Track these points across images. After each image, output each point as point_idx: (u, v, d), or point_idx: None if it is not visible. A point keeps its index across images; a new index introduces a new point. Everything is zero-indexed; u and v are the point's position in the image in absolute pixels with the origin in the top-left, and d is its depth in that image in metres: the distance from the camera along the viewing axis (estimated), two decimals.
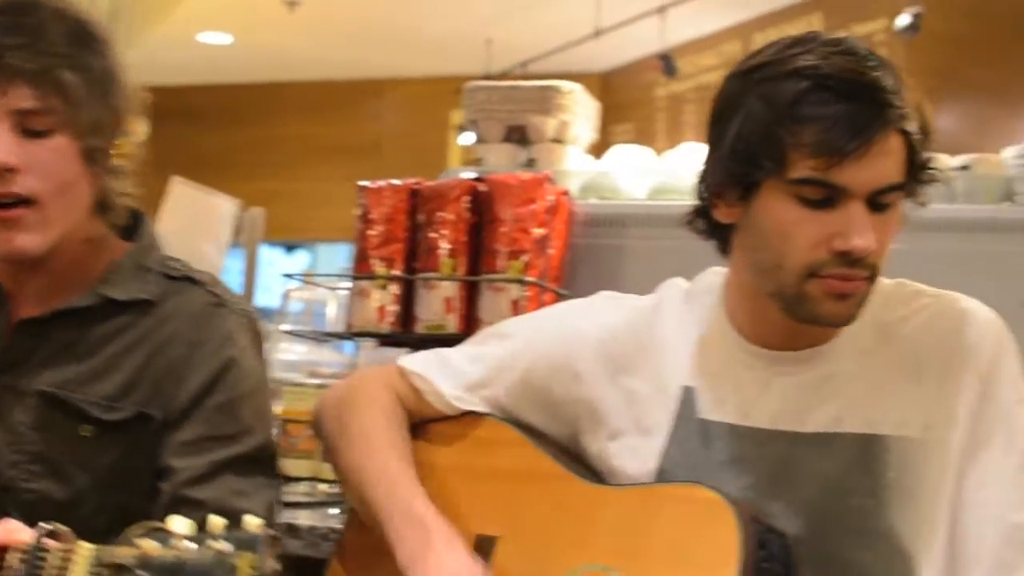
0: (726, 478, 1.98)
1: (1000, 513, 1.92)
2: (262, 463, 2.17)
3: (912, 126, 1.87)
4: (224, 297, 2.23)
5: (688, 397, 2.06)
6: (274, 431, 2.30)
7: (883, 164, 1.85)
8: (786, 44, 1.92)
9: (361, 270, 3.35)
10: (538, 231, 3.20)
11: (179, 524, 1.63)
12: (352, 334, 3.37)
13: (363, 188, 3.39)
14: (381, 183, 3.37)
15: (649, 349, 2.12)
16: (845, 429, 1.97)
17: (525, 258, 3.19)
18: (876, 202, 1.87)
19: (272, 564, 1.61)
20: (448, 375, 2.23)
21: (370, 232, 3.35)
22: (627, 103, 10.96)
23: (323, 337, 3.47)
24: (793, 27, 9.19)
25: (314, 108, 12.52)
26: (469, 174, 3.48)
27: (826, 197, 1.86)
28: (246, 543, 1.60)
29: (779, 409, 2.00)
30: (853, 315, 1.93)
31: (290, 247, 12.20)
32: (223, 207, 4.86)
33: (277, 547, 1.64)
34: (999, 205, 3.37)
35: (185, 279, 2.22)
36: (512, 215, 3.22)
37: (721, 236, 2.02)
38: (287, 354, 4.04)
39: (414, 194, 3.35)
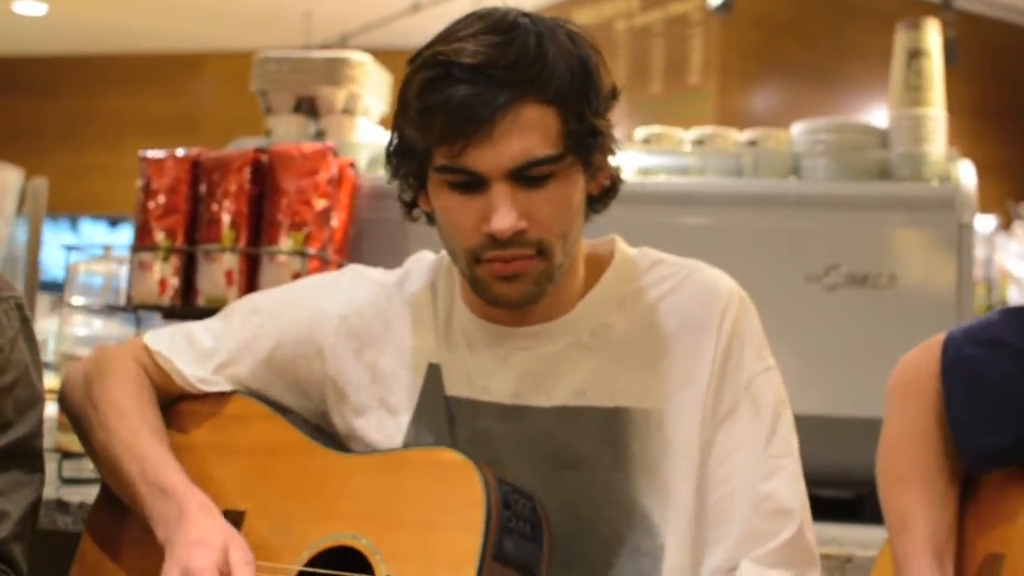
0: (483, 456, 1.94)
1: (748, 483, 1.92)
2: (21, 458, 2.10)
3: (563, 95, 1.84)
4: None
5: (433, 374, 2.04)
6: (44, 414, 2.21)
7: (518, 141, 1.81)
8: (439, 34, 1.90)
9: (143, 242, 3.29)
10: (320, 203, 3.17)
11: None
12: (134, 307, 3.30)
13: (144, 159, 3.33)
14: (162, 153, 3.30)
15: (393, 325, 2.09)
16: (588, 402, 1.96)
17: (307, 230, 3.15)
18: (525, 177, 1.84)
19: None
20: (192, 355, 2.17)
21: (151, 204, 3.29)
22: None
23: (105, 310, 3.38)
24: (612, 5, 9.29)
25: (133, 81, 12.29)
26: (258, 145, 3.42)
27: (467, 182, 1.85)
28: None
29: (519, 384, 1.99)
30: (533, 292, 1.91)
31: (114, 221, 11.96)
32: (5, 178, 4.73)
33: None
34: (785, 180, 3.40)
35: None
36: (294, 187, 3.19)
37: (433, 222, 2.00)
38: (79, 328, 3.94)
39: (196, 165, 3.29)
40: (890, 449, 2.00)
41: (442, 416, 2.02)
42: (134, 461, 2.04)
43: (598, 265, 2.04)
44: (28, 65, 12.58)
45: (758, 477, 1.93)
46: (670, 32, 8.91)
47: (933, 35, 3.49)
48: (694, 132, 3.59)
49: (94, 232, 11.93)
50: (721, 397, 1.95)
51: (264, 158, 3.24)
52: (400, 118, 1.90)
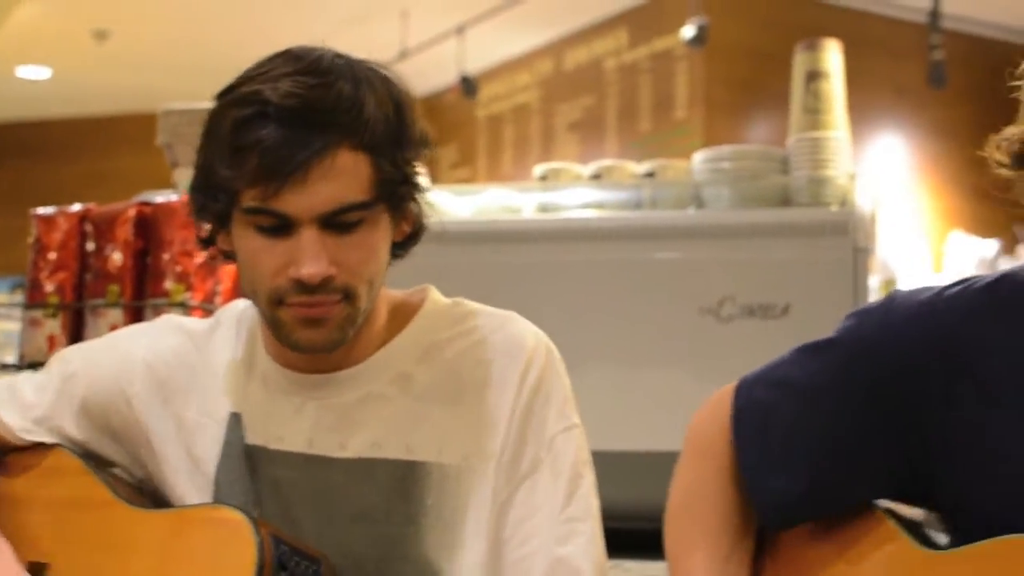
0: (268, 504, 1.92)
1: (546, 546, 1.86)
2: None
3: (377, 142, 1.80)
4: None
5: (234, 423, 1.99)
6: None
7: (331, 186, 1.77)
8: (252, 68, 1.84)
9: (34, 299, 3.27)
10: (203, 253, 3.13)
11: None
12: (27, 365, 3.27)
13: (35, 216, 3.31)
14: (52, 209, 3.28)
15: (199, 374, 2.05)
16: (383, 455, 1.91)
17: (190, 281, 3.11)
18: (335, 223, 1.80)
19: None
20: (16, 407, 2.13)
21: (41, 261, 3.26)
22: (449, 124, 10.95)
23: None
24: (601, 43, 9.30)
25: (144, 139, 12.34)
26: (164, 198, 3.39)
27: (277, 225, 1.79)
28: None
29: (314, 433, 1.94)
30: (336, 338, 1.85)
31: None
32: None
33: None
34: (684, 211, 3.34)
35: None
36: (178, 238, 3.15)
37: (232, 260, 1.94)
38: None
39: (84, 220, 3.26)
40: (675, 511, 1.91)
41: (243, 466, 1.97)
42: None
43: (405, 314, 1.99)
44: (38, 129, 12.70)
45: (554, 540, 1.87)
46: (657, 68, 8.90)
47: (833, 56, 3.43)
48: (592, 166, 3.54)
49: None
50: (521, 454, 1.89)
51: (149, 211, 3.20)
52: (208, 155, 1.84)
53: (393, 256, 1.94)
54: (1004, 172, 1.63)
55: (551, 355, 1.95)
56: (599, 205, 3.42)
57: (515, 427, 1.89)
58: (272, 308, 1.84)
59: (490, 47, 9.82)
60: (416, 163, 1.88)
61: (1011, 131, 1.61)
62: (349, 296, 1.83)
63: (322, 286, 1.80)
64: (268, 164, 1.75)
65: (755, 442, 1.84)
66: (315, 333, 1.84)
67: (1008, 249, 8.82)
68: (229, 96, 1.82)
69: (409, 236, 1.95)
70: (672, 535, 1.89)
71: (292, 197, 1.76)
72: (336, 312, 1.83)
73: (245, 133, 1.77)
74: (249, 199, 1.79)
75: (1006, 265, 8.22)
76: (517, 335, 1.95)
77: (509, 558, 1.87)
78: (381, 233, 1.85)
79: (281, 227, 1.79)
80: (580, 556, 1.87)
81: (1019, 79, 1.61)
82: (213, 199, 1.85)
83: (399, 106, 1.84)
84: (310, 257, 1.78)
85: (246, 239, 1.84)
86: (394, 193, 1.84)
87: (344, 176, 1.78)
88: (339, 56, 1.84)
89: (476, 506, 1.88)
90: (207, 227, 1.94)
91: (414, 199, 1.90)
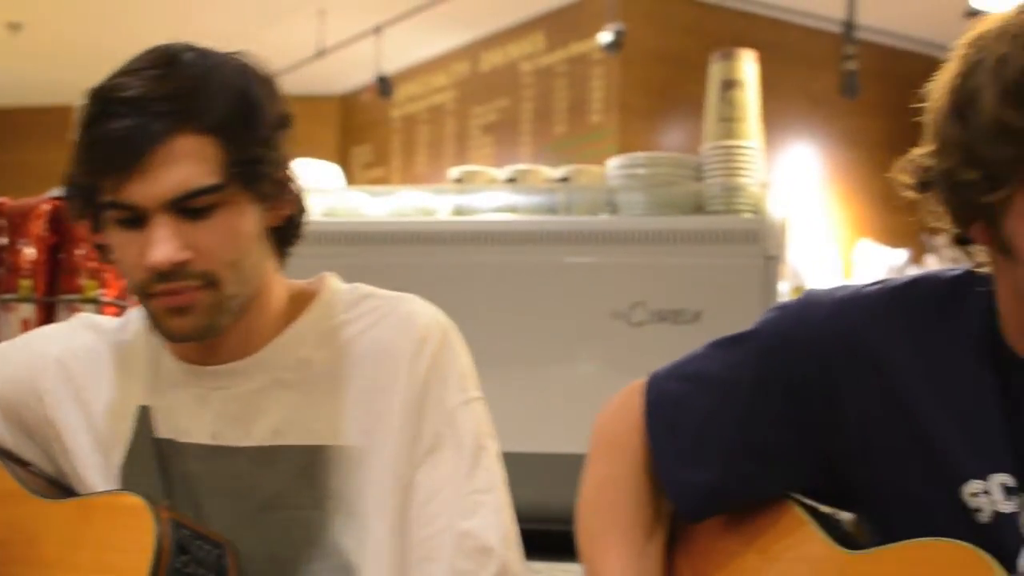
0: (178, 497, 1.93)
1: (451, 522, 1.88)
2: None
3: (223, 124, 1.80)
4: None
5: (143, 417, 2.00)
6: None
7: (174, 172, 1.78)
8: (115, 71, 1.87)
9: None
10: None
11: None
12: None
13: None
14: None
15: (109, 370, 2.06)
16: (286, 441, 1.92)
17: (103, 278, 3.10)
18: (186, 208, 1.81)
19: None
20: None
21: None
22: (364, 124, 10.94)
23: None
24: (517, 46, 9.30)
25: (58, 133, 12.21)
26: None
27: (131, 217, 1.81)
28: None
29: (218, 425, 1.95)
30: (206, 325, 1.87)
31: None
32: None
33: None
34: (597, 217, 3.36)
35: None
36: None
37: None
38: None
39: None
40: (587, 506, 1.92)
41: (152, 459, 1.98)
42: None
43: (302, 301, 2.01)
44: None
45: (460, 514, 1.88)
46: (573, 72, 8.93)
47: (747, 65, 3.46)
48: (507, 170, 3.56)
49: None
50: (422, 432, 1.91)
51: (63, 206, 3.18)
52: (72, 155, 1.86)
53: (284, 243, 1.97)
54: (909, 194, 1.66)
55: (446, 332, 1.97)
56: (514, 209, 3.43)
57: (412, 405, 1.91)
58: (144, 300, 1.87)
59: (407, 48, 9.82)
60: (273, 144, 1.88)
61: (917, 154, 1.64)
62: (212, 282, 1.84)
63: (177, 272, 1.81)
64: (110, 157, 1.77)
65: (668, 435, 1.87)
66: (182, 321, 1.86)
67: (916, 258, 8.94)
68: (87, 96, 1.84)
69: (290, 219, 1.96)
70: (585, 529, 1.91)
71: (136, 187, 1.78)
72: (200, 299, 1.84)
73: (93, 129, 1.80)
74: (105, 194, 1.80)
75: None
76: (411, 314, 1.97)
77: (416, 537, 1.89)
78: (244, 217, 1.86)
79: (135, 219, 1.81)
80: (486, 528, 1.89)
81: (923, 101, 1.64)
82: (79, 199, 1.87)
83: (246, 90, 1.84)
84: (157, 243, 1.79)
85: (112, 235, 1.85)
86: (248, 175, 1.84)
87: (187, 161, 1.79)
88: (192, 49, 1.86)
89: (377, 486, 1.89)
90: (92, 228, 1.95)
91: (278, 180, 1.91)
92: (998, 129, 1.51)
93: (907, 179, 1.66)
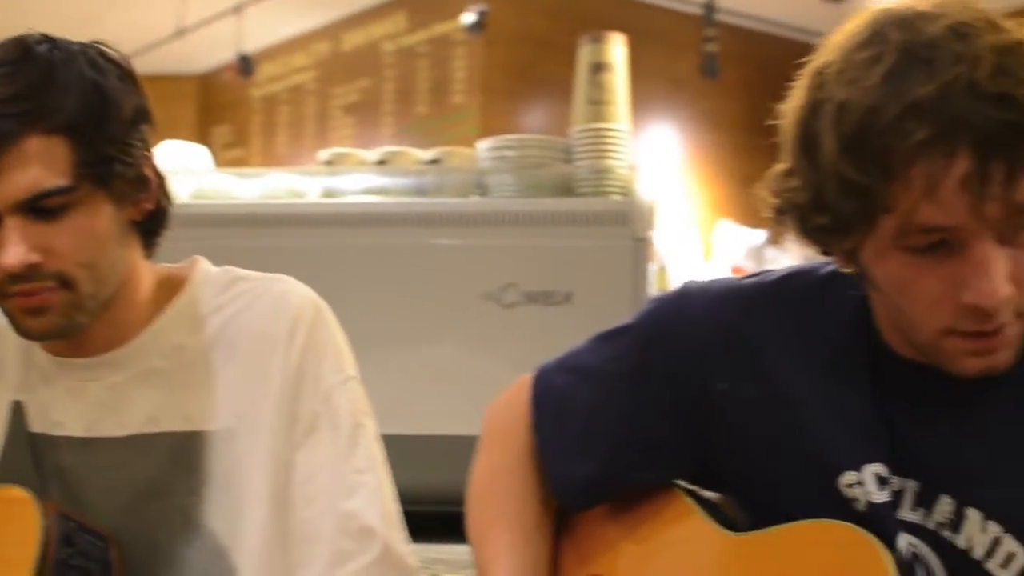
0: (54, 491, 1.91)
1: (332, 503, 1.88)
2: None
3: (72, 124, 1.77)
4: None
5: (17, 411, 1.98)
6: None
7: (23, 174, 1.75)
8: None
9: None
10: None
11: None
12: None
13: None
14: None
15: None
16: (160, 428, 1.91)
17: None
18: (37, 209, 1.77)
19: None
20: None
21: None
22: (224, 104, 10.83)
23: None
24: (379, 26, 9.27)
25: None
26: None
27: None
28: None
29: (92, 416, 1.93)
30: (62, 324, 1.84)
31: None
32: None
33: None
34: (467, 199, 3.37)
35: None
36: None
37: None
38: None
39: None
40: (476, 495, 1.93)
41: (27, 453, 1.95)
42: None
43: (173, 287, 1.99)
44: None
45: (340, 495, 1.88)
46: (435, 53, 8.91)
47: (617, 48, 3.48)
48: (376, 152, 3.55)
49: None
50: (298, 413, 1.90)
51: None
52: None
53: (148, 235, 1.95)
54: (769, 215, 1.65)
55: (320, 311, 1.96)
56: (384, 191, 3.42)
57: (288, 386, 1.91)
58: (0, 301, 1.83)
59: (268, 27, 9.73)
60: (128, 140, 1.84)
61: (774, 172, 1.62)
62: (66, 282, 1.81)
63: (32, 274, 1.78)
64: None
65: (553, 428, 1.88)
66: (38, 322, 1.83)
67: (775, 239, 9.04)
68: None
69: (152, 215, 1.93)
70: (475, 518, 1.92)
71: None
72: (55, 299, 1.82)
73: None
74: None
75: (773, 254, 8.40)
76: (284, 294, 1.96)
77: (297, 518, 1.88)
78: (97, 217, 1.83)
79: None
80: (367, 508, 1.89)
81: (781, 87, 1.62)
82: None
83: (100, 86, 1.81)
84: (8, 246, 1.77)
85: None
86: (100, 174, 1.81)
87: (36, 162, 1.76)
88: (46, 40, 1.82)
89: (254, 470, 1.89)
90: None
91: (135, 177, 1.87)
92: (840, 182, 1.48)
93: (768, 199, 1.64)
